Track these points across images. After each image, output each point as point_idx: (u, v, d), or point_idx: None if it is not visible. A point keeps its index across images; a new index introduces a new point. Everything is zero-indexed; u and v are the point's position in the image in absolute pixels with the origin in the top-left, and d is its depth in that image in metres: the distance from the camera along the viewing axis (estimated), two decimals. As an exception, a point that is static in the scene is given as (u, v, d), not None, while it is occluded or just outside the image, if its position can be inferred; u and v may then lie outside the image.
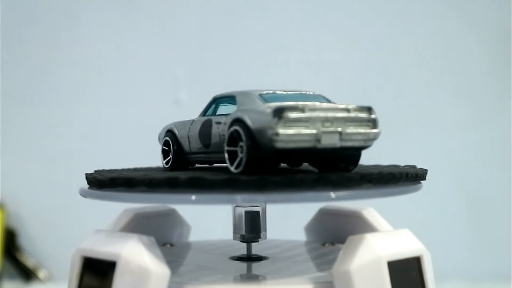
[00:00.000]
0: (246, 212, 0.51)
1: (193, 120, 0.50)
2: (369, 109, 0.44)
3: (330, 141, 0.42)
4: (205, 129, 0.48)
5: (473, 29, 0.96)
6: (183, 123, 0.51)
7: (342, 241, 0.44)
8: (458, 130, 0.96)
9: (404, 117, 0.96)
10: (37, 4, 0.97)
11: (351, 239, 0.42)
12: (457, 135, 0.96)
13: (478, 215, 0.96)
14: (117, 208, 0.54)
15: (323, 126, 0.42)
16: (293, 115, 0.40)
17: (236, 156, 0.42)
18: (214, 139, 0.47)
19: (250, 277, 0.47)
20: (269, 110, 0.41)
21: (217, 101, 0.50)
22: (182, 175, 0.42)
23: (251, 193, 0.40)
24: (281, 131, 0.40)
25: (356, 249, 0.40)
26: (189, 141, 0.50)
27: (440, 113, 0.96)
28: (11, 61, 0.98)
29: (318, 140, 0.41)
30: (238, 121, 0.43)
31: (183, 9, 0.98)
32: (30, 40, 0.98)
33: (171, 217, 0.59)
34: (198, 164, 0.53)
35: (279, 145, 0.40)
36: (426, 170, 0.48)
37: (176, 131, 0.51)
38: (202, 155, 0.49)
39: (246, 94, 0.46)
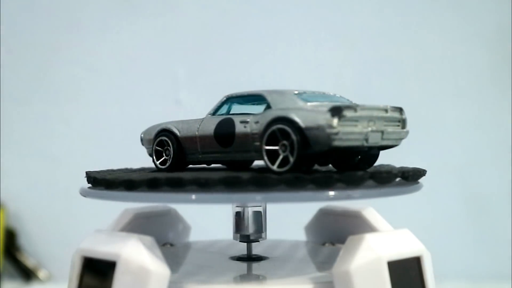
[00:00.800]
0: (246, 212, 0.51)
1: (202, 120, 0.50)
2: (400, 110, 0.46)
3: (375, 140, 0.44)
4: (225, 128, 0.47)
5: (473, 29, 0.96)
6: (186, 122, 0.51)
7: (342, 241, 0.44)
8: (458, 130, 0.96)
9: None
10: (37, 4, 0.98)
11: (351, 239, 0.42)
12: (457, 135, 0.96)
13: (478, 215, 0.96)
14: (117, 208, 0.54)
15: (368, 125, 0.43)
16: (349, 114, 0.41)
17: (277, 155, 0.43)
18: (239, 138, 0.46)
19: (250, 277, 0.47)
20: (324, 109, 0.41)
21: (231, 100, 0.50)
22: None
23: (251, 193, 0.40)
24: (340, 129, 0.41)
25: (356, 249, 0.40)
26: (197, 141, 0.49)
27: (440, 113, 0.96)
28: (11, 61, 0.98)
29: (366, 139, 0.43)
30: (283, 119, 0.43)
31: (183, 9, 0.98)
32: (30, 40, 0.98)
33: (171, 217, 0.59)
34: (211, 164, 0.52)
35: (337, 143, 0.41)
36: (425, 170, 0.48)
37: (176, 131, 0.51)
38: (217, 155, 0.48)
39: (280, 93, 0.46)
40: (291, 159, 0.42)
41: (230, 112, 0.49)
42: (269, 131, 0.43)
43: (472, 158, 0.96)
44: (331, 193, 0.40)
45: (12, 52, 0.98)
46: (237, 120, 0.47)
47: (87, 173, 0.49)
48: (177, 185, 0.41)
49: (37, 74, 0.98)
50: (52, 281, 0.96)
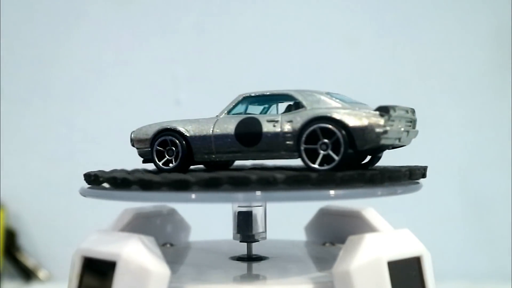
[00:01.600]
0: (246, 212, 0.51)
1: (216, 119, 0.49)
2: (413, 111, 0.48)
3: (404, 139, 0.47)
4: (249, 127, 0.47)
5: (473, 29, 0.96)
6: (195, 121, 0.50)
7: (342, 241, 0.44)
8: (458, 130, 0.96)
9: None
10: (37, 4, 0.97)
11: (351, 239, 0.42)
12: (457, 135, 0.96)
13: (478, 215, 0.96)
14: (117, 208, 0.54)
15: (399, 125, 0.45)
16: (393, 113, 0.44)
17: (315, 154, 0.44)
18: (267, 137, 0.46)
19: (250, 277, 0.46)
20: (369, 109, 0.44)
21: (247, 99, 0.50)
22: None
23: (250, 192, 0.40)
24: (388, 128, 0.43)
25: (356, 249, 0.40)
26: (212, 140, 0.48)
27: (440, 113, 0.96)
28: (11, 61, 0.98)
29: (399, 138, 0.46)
30: (326, 118, 0.44)
31: (183, 9, 0.97)
32: (30, 40, 0.98)
33: (171, 217, 0.59)
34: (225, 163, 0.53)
35: (383, 141, 0.43)
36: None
37: (183, 130, 0.49)
38: (238, 154, 0.48)
39: (311, 93, 0.47)
40: (336, 158, 0.43)
41: (248, 112, 0.49)
42: (309, 130, 0.44)
43: (472, 158, 0.96)
44: (331, 192, 0.40)
45: (12, 52, 0.98)
46: (263, 119, 0.47)
47: (88, 172, 0.49)
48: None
49: (37, 74, 0.98)
50: (52, 281, 0.96)
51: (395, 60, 0.96)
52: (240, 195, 0.40)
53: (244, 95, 0.50)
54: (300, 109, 0.46)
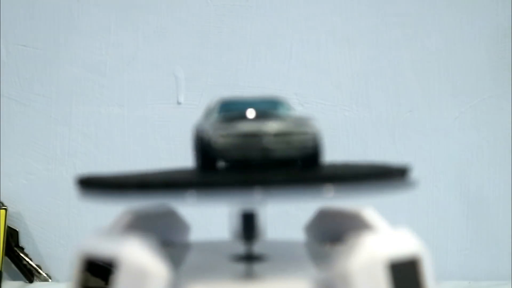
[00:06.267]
0: (245, 211, 0.51)
1: None
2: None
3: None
4: None
5: (473, 29, 0.96)
6: None
7: (342, 241, 0.44)
8: (457, 130, 0.96)
9: (403, 117, 0.96)
10: (37, 4, 0.98)
11: (351, 239, 0.42)
12: (457, 135, 0.96)
13: (478, 215, 0.96)
14: (117, 208, 0.54)
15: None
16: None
17: None
18: None
19: (250, 277, 0.46)
20: None
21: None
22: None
23: (250, 191, 0.40)
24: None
25: (356, 249, 0.40)
26: None
27: (439, 113, 0.96)
28: (11, 61, 0.98)
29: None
30: None
31: (183, 9, 0.97)
32: (30, 40, 0.98)
33: (171, 217, 0.59)
34: None
35: None
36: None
37: None
38: None
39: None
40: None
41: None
42: None
43: (472, 158, 0.96)
44: (331, 191, 0.40)
45: (12, 52, 0.98)
46: None
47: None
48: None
49: (37, 74, 0.98)
50: (53, 281, 0.96)
51: (394, 60, 0.96)
52: (240, 195, 0.40)
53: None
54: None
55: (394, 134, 0.94)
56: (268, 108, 0.47)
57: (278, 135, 0.43)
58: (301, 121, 0.44)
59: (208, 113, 0.49)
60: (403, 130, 0.95)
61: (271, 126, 0.43)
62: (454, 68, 0.96)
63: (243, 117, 0.44)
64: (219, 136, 0.42)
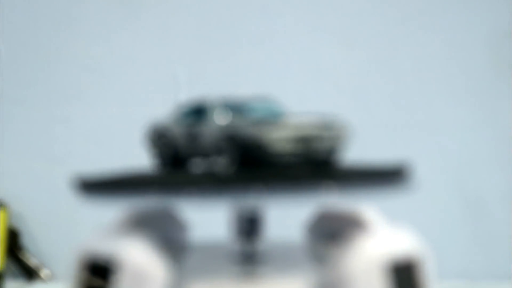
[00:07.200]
0: (245, 211, 0.51)
1: None
2: None
3: None
4: None
5: (472, 29, 0.96)
6: None
7: (342, 241, 0.44)
8: (457, 130, 0.96)
9: (403, 118, 0.96)
10: (37, 4, 0.98)
11: (351, 239, 0.42)
12: (457, 135, 0.96)
13: (478, 215, 0.96)
14: (117, 208, 0.54)
15: None
16: None
17: None
18: None
19: (250, 277, 0.47)
20: None
21: None
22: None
23: (250, 191, 0.40)
24: None
25: (355, 249, 0.40)
26: None
27: (439, 113, 0.96)
28: (11, 61, 0.98)
29: None
30: None
31: (183, 9, 0.98)
32: (30, 40, 0.98)
33: (171, 217, 0.59)
34: None
35: None
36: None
37: None
38: None
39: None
40: None
41: None
42: None
43: (471, 158, 0.96)
44: (331, 190, 0.40)
45: (12, 52, 0.98)
46: None
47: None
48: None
49: (37, 74, 0.98)
50: (54, 280, 0.96)
51: (393, 60, 0.96)
52: (240, 195, 0.40)
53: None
54: None
55: (394, 134, 0.94)
56: (274, 110, 0.47)
57: (323, 138, 0.44)
58: (329, 124, 0.45)
59: (195, 113, 0.49)
60: (403, 130, 0.95)
61: (317, 130, 0.43)
62: (454, 68, 0.96)
63: (283, 119, 0.44)
64: (277, 140, 0.41)
